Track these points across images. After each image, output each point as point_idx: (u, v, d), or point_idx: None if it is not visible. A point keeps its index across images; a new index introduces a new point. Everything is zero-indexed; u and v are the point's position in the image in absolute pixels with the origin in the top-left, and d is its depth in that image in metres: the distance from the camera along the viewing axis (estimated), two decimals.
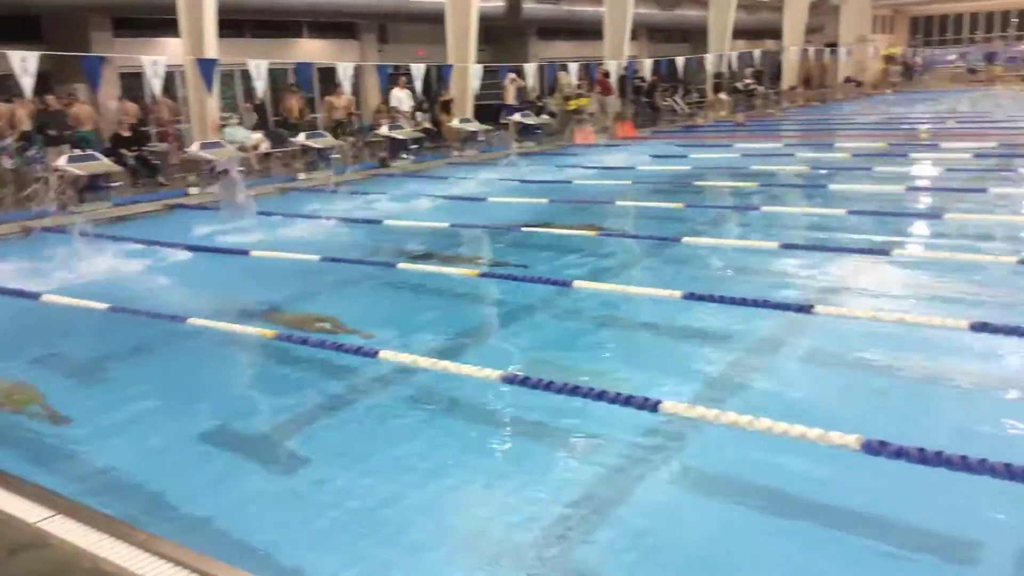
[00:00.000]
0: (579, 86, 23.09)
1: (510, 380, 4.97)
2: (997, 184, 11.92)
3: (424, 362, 5.32)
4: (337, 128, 18.13)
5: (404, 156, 17.22)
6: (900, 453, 3.80)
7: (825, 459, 4.07)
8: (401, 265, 8.33)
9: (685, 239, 9.06)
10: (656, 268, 8.59)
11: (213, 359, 6.29)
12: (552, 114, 22.70)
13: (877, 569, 3.45)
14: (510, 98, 22.02)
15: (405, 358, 5.38)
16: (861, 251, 8.39)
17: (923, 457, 3.74)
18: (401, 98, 19.71)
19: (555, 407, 4.90)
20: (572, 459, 4.48)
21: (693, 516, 3.93)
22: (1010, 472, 3.60)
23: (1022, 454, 3.81)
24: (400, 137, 17.42)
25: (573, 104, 22.51)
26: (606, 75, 23.71)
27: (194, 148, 14.41)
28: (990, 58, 42.05)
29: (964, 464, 3.69)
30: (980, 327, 5.42)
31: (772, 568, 3.47)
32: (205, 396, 5.54)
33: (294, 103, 18.47)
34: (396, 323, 6.86)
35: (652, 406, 4.50)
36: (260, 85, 16.23)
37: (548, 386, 4.91)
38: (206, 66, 15.04)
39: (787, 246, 8.66)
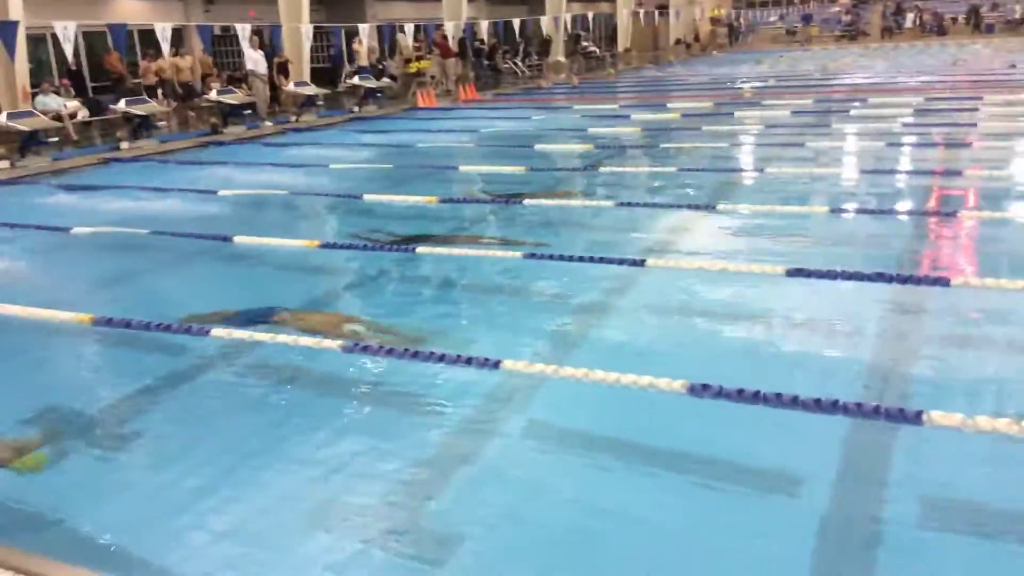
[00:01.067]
0: (417, 48, 22.83)
1: (350, 349, 4.93)
2: (813, 139, 12.74)
3: (262, 336, 5.19)
4: (180, 92, 17.20)
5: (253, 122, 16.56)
6: (721, 394, 4.05)
7: (657, 404, 4.28)
8: (237, 239, 8.04)
9: (527, 200, 9.19)
10: (500, 230, 8.68)
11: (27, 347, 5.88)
12: (393, 77, 22.37)
13: (704, 500, 3.67)
14: (363, 60, 21.49)
15: (241, 334, 5.23)
16: (691, 207, 8.79)
17: (742, 396, 4.01)
18: (257, 60, 18.20)
19: (399, 372, 4.90)
20: (419, 423, 4.50)
21: (541, 470, 4.04)
22: (820, 406, 3.92)
23: (833, 389, 4.15)
24: (233, 102, 16.71)
25: (414, 67, 22.27)
26: (444, 37, 23.56)
27: (1, 119, 13.29)
28: (807, 19, 44.73)
29: (779, 401, 3.99)
30: (795, 272, 5.84)
31: (615, 510, 3.62)
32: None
33: (118, 65, 17.34)
34: (229, 299, 6.62)
35: (493, 365, 4.59)
36: (68, 48, 15.11)
37: (389, 352, 4.92)
38: (7, 30, 13.84)
39: (623, 204, 8.97)
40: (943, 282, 5.71)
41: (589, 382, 4.31)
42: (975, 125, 12.81)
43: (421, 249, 7.23)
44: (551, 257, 6.57)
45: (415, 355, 4.83)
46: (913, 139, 12.67)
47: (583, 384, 4.33)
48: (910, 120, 14.15)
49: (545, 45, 29.49)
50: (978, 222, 7.83)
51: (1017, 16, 40.26)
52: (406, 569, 3.28)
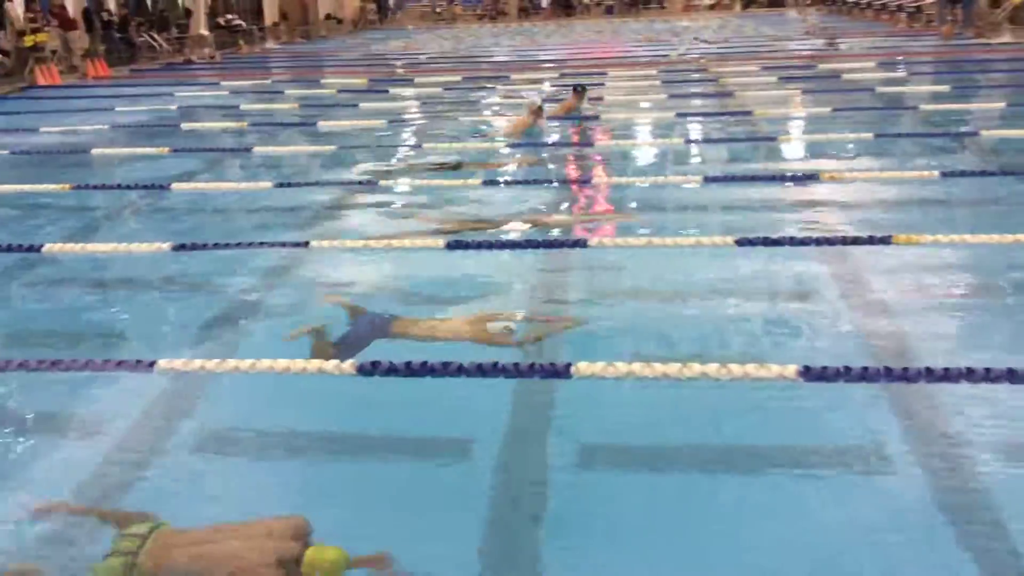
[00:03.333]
0: (33, 19, 20.22)
1: None
2: (465, 114, 13.29)
3: None
4: None
5: None
6: (390, 371, 4.10)
7: (326, 391, 4.23)
8: None
9: (175, 185, 8.57)
10: (144, 220, 8.01)
11: None
12: (5, 52, 19.64)
13: (381, 475, 3.71)
14: None
15: None
16: (350, 183, 8.77)
17: (410, 370, 4.09)
18: None
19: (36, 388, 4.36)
20: (75, 439, 4.04)
21: (218, 467, 3.83)
22: (482, 370, 4.12)
23: (493, 354, 4.37)
24: None
25: (29, 40, 19.70)
26: (62, 7, 21.10)
27: None
28: None
29: (445, 370, 4.13)
30: (455, 245, 6.07)
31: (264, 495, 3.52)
32: None
33: None
34: None
35: (148, 366, 4.24)
36: None
37: (21, 365, 4.36)
38: None
39: (281, 185, 8.70)
40: (582, 243, 6.27)
41: (256, 373, 4.15)
42: (602, 99, 14.16)
43: (49, 247, 6.41)
44: (205, 246, 6.18)
45: (54, 364, 4.31)
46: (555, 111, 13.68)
47: (252, 376, 4.16)
48: (548, 94, 15.28)
49: (186, 17, 27.60)
50: (608, 187, 8.65)
51: None
52: None
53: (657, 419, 4.07)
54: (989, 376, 3.95)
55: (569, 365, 4.16)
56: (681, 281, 5.84)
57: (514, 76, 18.14)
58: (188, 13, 27.46)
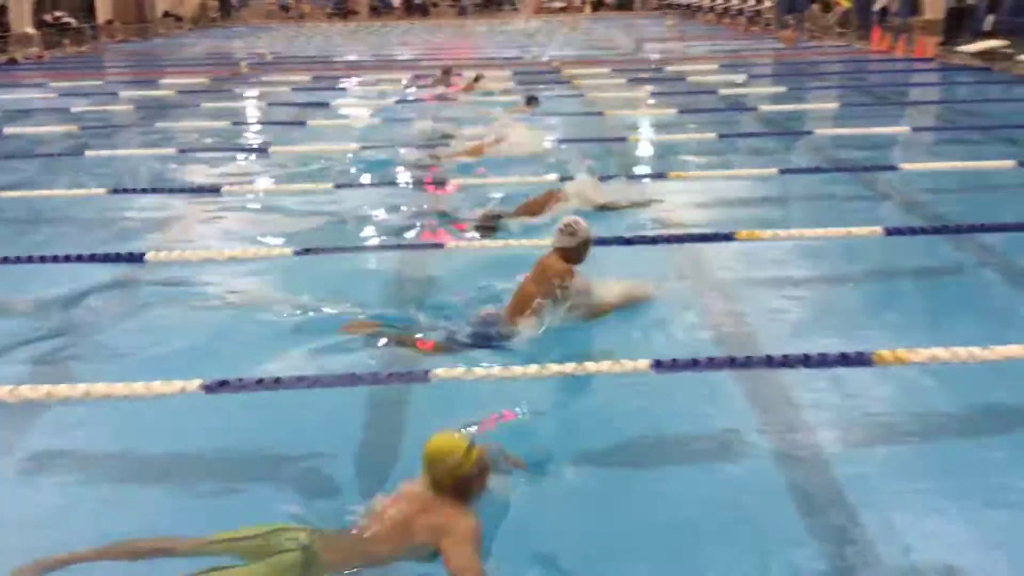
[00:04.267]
0: None
1: None
2: (313, 117, 12.92)
3: None
4: None
5: None
6: (240, 387, 3.88)
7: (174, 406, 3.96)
8: None
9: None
10: None
11: None
12: None
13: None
14: None
15: None
16: (195, 190, 8.33)
17: (261, 385, 3.89)
18: None
19: None
20: None
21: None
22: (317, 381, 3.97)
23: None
24: None
25: None
26: None
27: None
28: None
29: (299, 383, 3.95)
30: (302, 252, 5.85)
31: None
32: None
33: None
34: None
35: None
36: None
37: None
38: None
39: (118, 191, 8.17)
40: (439, 245, 6.19)
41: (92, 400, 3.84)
42: (456, 100, 14.10)
43: None
44: (30, 259, 5.68)
45: None
46: (407, 113, 13.50)
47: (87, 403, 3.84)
48: (403, 95, 15.10)
49: (2, 14, 25.52)
50: (467, 188, 8.54)
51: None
52: None
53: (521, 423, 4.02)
54: (825, 361, 4.19)
55: (427, 371, 4.07)
56: None
57: (367, 76, 17.84)
58: (3, 10, 25.38)
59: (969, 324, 4.94)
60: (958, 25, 19.36)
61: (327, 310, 5.18)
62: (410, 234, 6.83)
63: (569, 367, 4.08)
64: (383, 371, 4.20)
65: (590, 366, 4.10)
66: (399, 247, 6.44)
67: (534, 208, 6.76)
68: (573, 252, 4.74)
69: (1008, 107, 12.85)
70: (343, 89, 16.11)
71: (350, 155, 9.95)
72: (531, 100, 12.29)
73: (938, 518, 3.21)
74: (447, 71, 15.91)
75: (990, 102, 13.21)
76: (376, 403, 4.12)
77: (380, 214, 7.45)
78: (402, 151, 10.16)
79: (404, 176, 9.02)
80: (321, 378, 4.11)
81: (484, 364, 4.15)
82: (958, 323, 5.00)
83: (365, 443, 3.84)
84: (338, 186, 8.35)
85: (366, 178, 8.93)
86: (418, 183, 8.65)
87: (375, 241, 6.49)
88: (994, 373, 4.20)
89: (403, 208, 7.62)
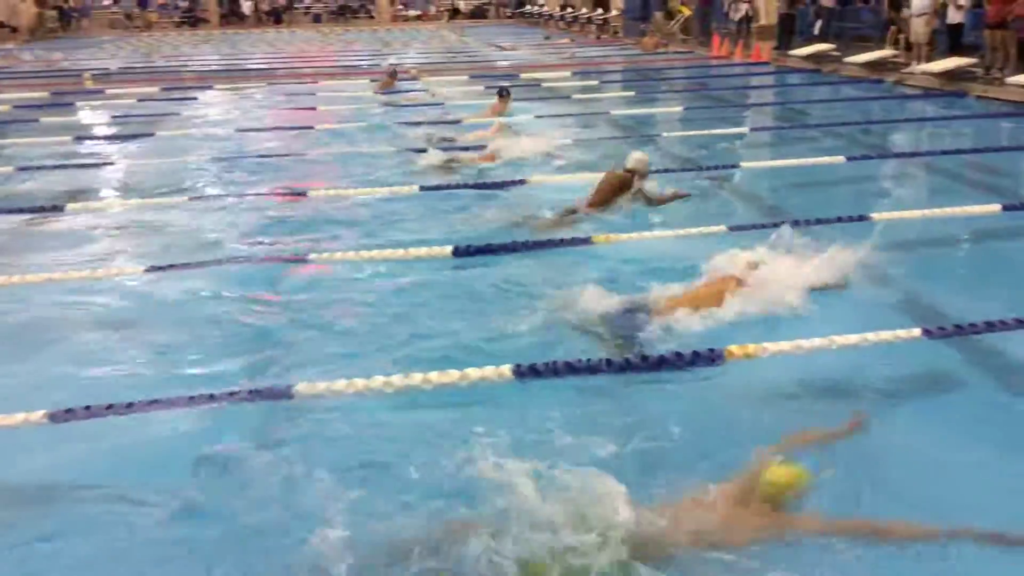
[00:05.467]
0: None
1: None
2: (163, 128, 12.46)
3: None
4: None
5: None
6: (88, 415, 3.75)
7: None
8: None
9: None
10: None
11: None
12: None
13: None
14: None
15: None
16: (35, 210, 7.89)
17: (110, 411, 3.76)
18: None
19: None
20: None
21: None
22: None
23: None
24: None
25: None
26: None
27: None
28: (144, 4, 43.34)
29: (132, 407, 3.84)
30: (153, 269, 5.67)
31: None
32: None
33: None
34: None
35: None
36: None
37: None
38: None
39: None
40: (299, 260, 6.12)
41: None
42: (315, 108, 13.93)
43: None
44: None
45: None
46: (264, 122, 13.22)
47: None
48: (258, 104, 14.77)
49: None
50: (326, 199, 8.43)
51: (338, 7, 45.03)
52: None
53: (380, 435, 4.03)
54: (679, 360, 4.38)
55: (290, 387, 4.05)
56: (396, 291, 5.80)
57: (218, 86, 17.32)
58: None
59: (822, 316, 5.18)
60: (790, 30, 20.66)
61: (181, 329, 5.05)
62: (263, 249, 6.66)
63: (433, 375, 4.13)
64: (242, 389, 4.13)
65: (453, 374, 4.18)
66: (267, 260, 6.29)
67: (601, 199, 7.37)
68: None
69: (837, 106, 13.80)
70: (194, 99, 15.58)
71: (204, 167, 9.66)
72: (503, 94, 12.53)
73: None
74: (392, 73, 16.64)
75: (821, 102, 14.16)
76: (239, 423, 4.04)
77: (234, 229, 7.26)
78: (259, 162, 9.95)
79: (261, 187, 8.81)
80: (175, 400, 4.00)
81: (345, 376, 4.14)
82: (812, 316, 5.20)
83: (225, 465, 3.77)
84: (193, 198, 8.10)
85: (220, 191, 8.68)
86: (272, 195, 8.45)
87: (230, 255, 6.33)
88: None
89: (255, 221, 7.47)
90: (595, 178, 7.62)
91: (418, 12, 46.35)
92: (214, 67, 22.49)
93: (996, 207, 7.08)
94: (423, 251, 6.25)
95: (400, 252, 6.22)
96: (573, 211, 7.35)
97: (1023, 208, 7.11)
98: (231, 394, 4.00)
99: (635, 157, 7.41)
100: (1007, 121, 11.99)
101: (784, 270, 5.15)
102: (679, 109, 14.00)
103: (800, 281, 5.07)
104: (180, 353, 4.77)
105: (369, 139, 11.45)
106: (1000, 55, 14.23)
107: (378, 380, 4.08)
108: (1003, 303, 5.12)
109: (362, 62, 22.91)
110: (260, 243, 6.84)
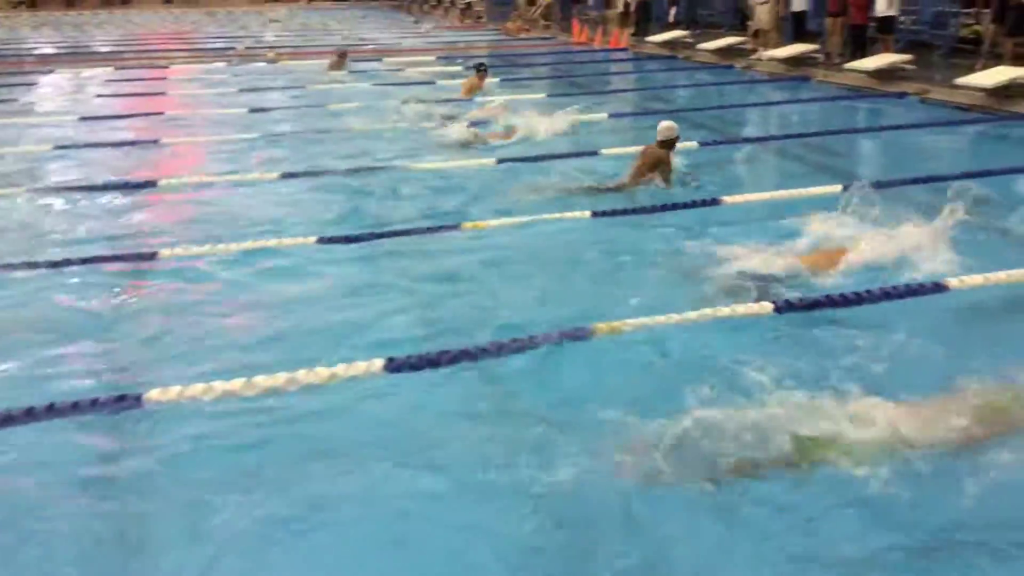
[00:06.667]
0: None
1: None
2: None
3: None
4: None
5: None
6: None
7: None
8: None
9: None
10: None
11: None
12: None
13: None
14: None
15: None
16: None
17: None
18: None
19: None
20: None
21: None
22: None
23: None
24: None
25: None
26: None
27: None
28: None
29: None
30: None
31: None
32: None
33: None
34: None
35: None
36: None
37: None
38: None
39: None
40: (150, 257, 5.84)
41: None
42: (165, 94, 13.30)
43: None
44: None
45: None
46: (112, 109, 12.52)
47: None
48: (105, 89, 13.97)
49: None
50: (179, 189, 8.08)
51: None
52: None
53: (249, 436, 3.91)
54: (547, 339, 4.44)
55: (140, 396, 3.86)
56: (259, 288, 5.65)
57: (61, 71, 16.28)
58: None
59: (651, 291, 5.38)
60: (646, 17, 21.24)
61: (14, 335, 4.74)
62: (107, 245, 6.33)
63: (300, 374, 4.04)
64: (85, 400, 3.87)
65: (322, 372, 4.10)
66: (115, 259, 5.97)
67: (642, 172, 7.63)
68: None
69: (692, 91, 14.29)
70: (34, 84, 14.60)
71: (44, 156, 9.07)
72: (481, 69, 12.87)
73: None
74: (342, 55, 16.74)
75: (677, 87, 14.63)
76: (84, 435, 3.82)
77: (77, 224, 6.86)
78: (106, 152, 9.43)
79: (105, 178, 8.34)
80: (11, 414, 3.74)
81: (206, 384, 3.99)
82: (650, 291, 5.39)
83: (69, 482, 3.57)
84: (31, 191, 7.59)
85: (61, 182, 8.16)
86: (120, 187, 8.00)
87: (73, 253, 5.97)
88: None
89: (99, 215, 7.09)
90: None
91: None
92: (57, 50, 21.11)
93: (837, 187, 7.48)
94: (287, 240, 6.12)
95: (268, 242, 6.08)
96: (617, 188, 7.59)
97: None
98: (74, 405, 3.78)
99: (665, 126, 7.58)
100: (845, 103, 12.72)
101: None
102: (541, 96, 14.10)
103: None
104: (15, 360, 4.47)
105: (231, 125, 11.03)
106: (838, 42, 15.14)
107: (238, 383, 3.95)
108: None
109: (216, 45, 22.02)
110: (105, 238, 6.50)
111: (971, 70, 12.09)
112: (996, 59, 13.01)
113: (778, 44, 16.24)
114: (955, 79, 11.73)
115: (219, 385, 3.94)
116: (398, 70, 16.72)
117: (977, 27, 15.25)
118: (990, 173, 7.76)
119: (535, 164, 8.65)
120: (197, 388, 3.87)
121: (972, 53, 14.37)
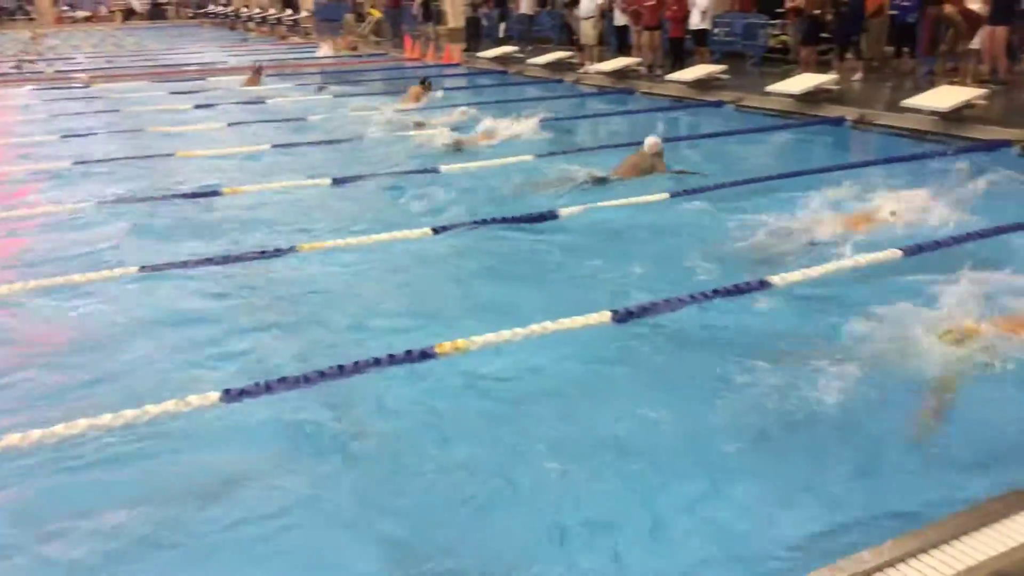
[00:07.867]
0: None
1: None
2: None
3: None
4: None
5: None
6: None
7: None
8: None
9: None
10: None
11: None
12: None
13: None
14: None
15: None
16: None
17: None
18: None
19: None
20: None
21: None
22: None
23: None
24: None
25: None
26: None
27: None
28: None
29: None
30: None
31: None
32: None
33: None
34: None
35: None
36: None
37: None
38: None
39: None
40: None
41: None
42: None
43: None
44: None
45: None
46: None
47: None
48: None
49: None
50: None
51: None
52: None
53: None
54: (393, 361, 4.43)
55: None
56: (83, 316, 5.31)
57: None
58: None
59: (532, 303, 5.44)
60: (476, 33, 21.53)
61: None
62: None
63: (131, 413, 3.80)
64: None
65: (152, 409, 3.87)
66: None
67: (627, 173, 8.56)
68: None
69: (523, 105, 14.52)
70: None
71: None
72: (424, 82, 14.05)
73: None
74: (258, 70, 17.09)
75: (509, 102, 14.83)
76: None
77: None
78: None
79: None
80: None
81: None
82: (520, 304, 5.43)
83: None
84: None
85: None
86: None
87: None
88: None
89: None
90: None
91: (87, 13, 42.44)
92: None
93: (665, 195, 7.80)
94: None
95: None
96: (603, 179, 8.38)
97: (684, 195, 7.89)
98: None
99: (650, 142, 8.70)
100: (668, 113, 13.33)
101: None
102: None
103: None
104: None
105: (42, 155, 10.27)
106: (658, 55, 15.86)
107: (59, 428, 3.67)
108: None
109: (18, 68, 20.53)
110: None
111: (780, 77, 12.97)
112: (800, 66, 14.05)
113: (603, 58, 16.83)
114: (766, 87, 12.54)
115: (61, 429, 3.69)
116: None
117: (784, 37, 16.37)
118: (800, 174, 8.40)
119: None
120: (13, 438, 3.56)
121: (780, 61, 15.48)
